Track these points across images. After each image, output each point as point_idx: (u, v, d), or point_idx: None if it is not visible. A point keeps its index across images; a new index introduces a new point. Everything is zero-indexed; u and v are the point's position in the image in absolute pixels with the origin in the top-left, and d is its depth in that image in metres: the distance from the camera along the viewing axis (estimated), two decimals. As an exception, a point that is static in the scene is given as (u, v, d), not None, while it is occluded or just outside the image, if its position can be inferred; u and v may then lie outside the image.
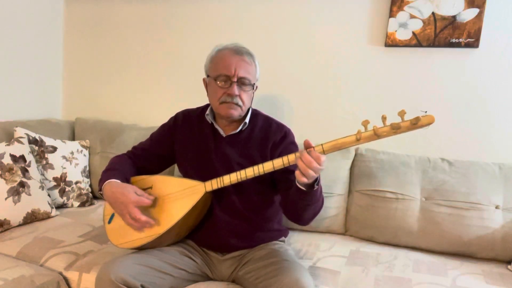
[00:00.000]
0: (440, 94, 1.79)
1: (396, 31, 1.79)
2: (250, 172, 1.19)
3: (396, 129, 1.04)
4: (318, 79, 1.97)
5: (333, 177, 1.75)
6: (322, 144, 1.10)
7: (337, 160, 1.76)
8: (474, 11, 1.68)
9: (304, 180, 1.07)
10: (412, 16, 1.76)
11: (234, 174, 1.21)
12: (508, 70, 1.70)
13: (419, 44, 1.77)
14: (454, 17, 1.71)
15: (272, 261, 1.23)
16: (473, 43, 1.70)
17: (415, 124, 1.02)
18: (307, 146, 1.09)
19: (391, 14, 1.79)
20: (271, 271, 1.18)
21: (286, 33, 2.00)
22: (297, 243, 1.62)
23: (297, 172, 1.08)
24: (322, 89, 1.97)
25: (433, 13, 1.73)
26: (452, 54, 1.76)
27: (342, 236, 1.76)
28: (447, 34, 1.73)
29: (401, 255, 1.56)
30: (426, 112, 1.03)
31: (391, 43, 1.81)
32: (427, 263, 1.50)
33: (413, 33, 1.77)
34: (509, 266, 1.50)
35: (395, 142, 1.81)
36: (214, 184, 1.24)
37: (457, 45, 1.72)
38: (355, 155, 1.80)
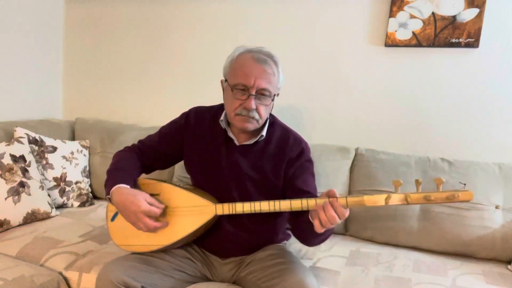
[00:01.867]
0: (440, 94, 1.79)
1: (396, 31, 1.79)
2: (265, 206, 1.14)
3: (429, 200, 0.98)
4: (318, 79, 1.97)
5: (333, 177, 1.75)
6: (346, 197, 1.03)
7: (337, 160, 1.77)
8: (474, 11, 1.68)
9: (322, 230, 1.03)
10: (412, 16, 1.76)
11: (248, 204, 1.16)
12: (508, 70, 1.70)
13: (419, 44, 1.77)
14: (454, 17, 1.71)
15: (275, 262, 1.22)
16: (473, 43, 1.70)
17: (451, 200, 0.96)
18: (332, 196, 1.02)
19: (391, 14, 1.79)
20: (274, 271, 1.17)
21: (286, 33, 2.00)
22: (297, 243, 1.59)
23: (316, 223, 1.02)
24: (322, 89, 1.97)
25: (433, 13, 1.73)
26: (452, 54, 1.76)
27: (342, 236, 1.76)
28: (447, 34, 1.73)
29: (401, 255, 1.56)
30: (465, 185, 0.96)
31: (391, 43, 1.81)
32: (427, 263, 1.50)
33: (413, 33, 1.77)
34: (509, 266, 1.50)
35: (395, 142, 1.82)
36: (225, 209, 1.19)
37: (457, 45, 1.72)
38: (355, 155, 1.79)
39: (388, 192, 1.64)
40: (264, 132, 1.29)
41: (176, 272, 1.24)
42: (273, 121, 1.36)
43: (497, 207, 1.56)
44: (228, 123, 1.32)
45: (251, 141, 1.29)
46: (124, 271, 1.13)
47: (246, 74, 1.19)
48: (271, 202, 1.13)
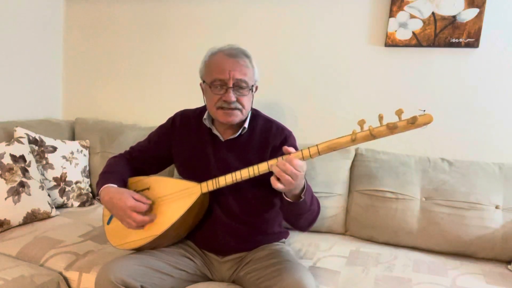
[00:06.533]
0: (440, 94, 1.79)
1: (396, 31, 1.79)
2: (245, 173, 1.17)
3: (392, 129, 1.01)
4: (318, 80, 1.97)
5: (333, 177, 1.75)
6: (317, 145, 1.09)
7: (337, 160, 1.77)
8: (474, 11, 1.68)
9: (280, 186, 1.05)
10: (412, 16, 1.76)
11: (229, 175, 1.20)
12: (508, 70, 1.70)
13: (419, 44, 1.77)
14: (454, 17, 1.71)
15: (273, 261, 1.22)
16: (473, 43, 1.70)
17: (412, 123, 0.99)
18: (285, 152, 1.08)
19: (391, 14, 1.79)
20: (273, 271, 1.17)
21: (285, 34, 2.00)
22: (297, 243, 1.62)
23: (272, 178, 1.06)
24: (322, 90, 1.97)
25: (433, 13, 1.73)
26: (452, 54, 1.75)
27: (342, 236, 1.76)
28: (447, 34, 1.73)
29: (401, 255, 1.56)
30: (424, 111, 0.99)
31: (391, 43, 1.81)
32: (427, 263, 1.50)
33: (413, 33, 1.77)
34: (509, 266, 1.50)
35: (395, 142, 1.81)
36: (210, 185, 1.23)
37: (457, 45, 1.72)
38: (355, 155, 1.80)
39: (388, 192, 1.65)
40: (246, 124, 1.33)
41: (175, 271, 1.25)
42: (255, 114, 1.40)
43: (497, 207, 1.56)
44: (212, 121, 1.36)
45: (235, 135, 1.33)
46: (123, 270, 1.13)
47: (220, 69, 1.24)
48: (250, 168, 1.17)
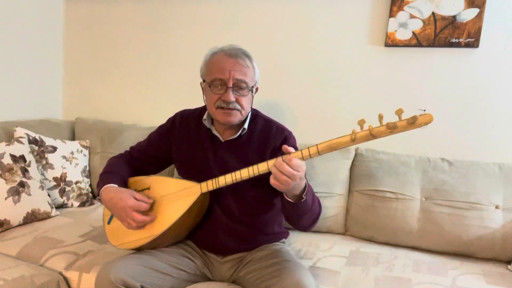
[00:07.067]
0: (440, 94, 1.79)
1: (396, 31, 1.79)
2: (245, 173, 1.17)
3: (392, 128, 1.01)
4: (318, 80, 1.97)
5: (333, 177, 1.75)
6: (317, 145, 1.09)
7: (337, 160, 1.77)
8: (474, 11, 1.68)
9: (280, 186, 1.05)
10: (412, 16, 1.76)
11: (229, 175, 1.20)
12: (508, 70, 1.70)
13: (419, 44, 1.77)
14: (454, 17, 1.71)
15: (273, 261, 1.22)
16: (473, 43, 1.70)
17: (412, 123, 0.98)
18: (285, 152, 1.08)
19: (391, 14, 1.79)
20: (272, 271, 1.17)
21: (285, 34, 2.00)
22: (297, 243, 1.62)
23: (270, 178, 1.06)
24: (322, 90, 1.97)
25: (433, 13, 1.73)
26: (452, 54, 1.76)
27: (342, 236, 1.76)
28: (447, 34, 1.73)
29: (401, 255, 1.56)
30: (424, 110, 0.99)
31: (391, 43, 1.81)
32: (427, 263, 1.50)
33: (413, 33, 1.77)
34: (509, 266, 1.50)
35: (395, 142, 1.82)
36: (209, 185, 1.23)
37: (457, 45, 1.72)
38: (355, 155, 1.80)
39: (388, 192, 1.65)
40: (246, 125, 1.33)
41: (175, 270, 1.25)
42: (255, 114, 1.40)
43: (497, 207, 1.56)
44: (212, 122, 1.36)
45: (235, 136, 1.32)
46: (123, 270, 1.13)
47: (221, 69, 1.24)
48: (250, 168, 1.16)
